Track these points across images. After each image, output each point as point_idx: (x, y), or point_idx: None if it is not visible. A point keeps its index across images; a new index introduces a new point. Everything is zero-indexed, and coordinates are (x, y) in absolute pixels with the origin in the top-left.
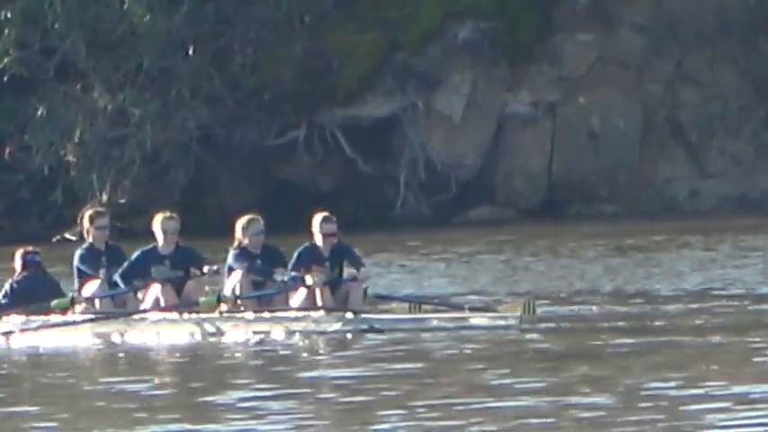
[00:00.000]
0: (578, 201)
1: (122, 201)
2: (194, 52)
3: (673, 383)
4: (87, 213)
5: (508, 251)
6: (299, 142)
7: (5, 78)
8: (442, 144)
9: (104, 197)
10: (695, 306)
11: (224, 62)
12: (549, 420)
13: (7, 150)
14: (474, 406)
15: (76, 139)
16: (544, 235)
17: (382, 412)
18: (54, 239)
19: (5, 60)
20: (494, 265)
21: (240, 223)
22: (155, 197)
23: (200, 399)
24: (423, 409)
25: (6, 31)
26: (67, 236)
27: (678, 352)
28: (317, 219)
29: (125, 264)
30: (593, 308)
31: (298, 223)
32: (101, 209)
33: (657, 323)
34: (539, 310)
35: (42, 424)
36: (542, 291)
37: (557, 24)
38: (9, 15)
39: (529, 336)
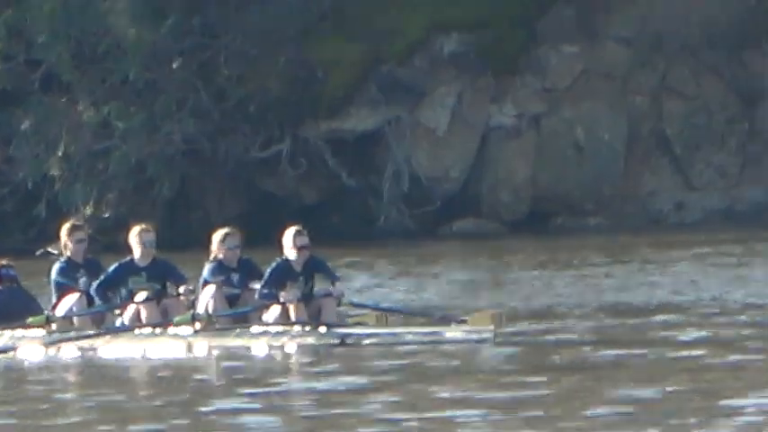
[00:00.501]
0: (563, 213)
1: (107, 215)
2: (180, 65)
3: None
4: (65, 226)
5: (489, 263)
6: (284, 155)
7: None
8: (427, 157)
9: (89, 210)
10: (677, 318)
11: (210, 74)
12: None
13: None
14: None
15: (60, 153)
16: (527, 247)
17: (356, 427)
18: (37, 253)
19: None
20: (473, 277)
21: (216, 237)
22: (139, 211)
23: (177, 413)
24: (399, 422)
25: None
26: (50, 249)
27: (655, 364)
28: (290, 233)
29: (102, 276)
30: (570, 321)
31: (281, 236)
32: (78, 222)
33: (639, 336)
34: (508, 325)
35: None
36: (521, 303)
37: (541, 36)
38: None
39: (502, 349)
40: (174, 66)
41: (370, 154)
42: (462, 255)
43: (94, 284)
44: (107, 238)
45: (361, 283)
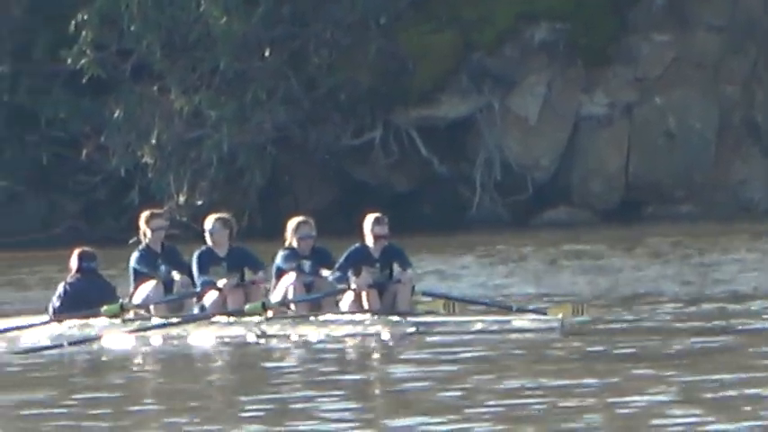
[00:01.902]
0: (655, 202)
1: (199, 202)
2: (270, 53)
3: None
4: (143, 215)
5: (580, 252)
6: (375, 143)
7: (83, 80)
8: (518, 145)
9: (181, 199)
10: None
11: (300, 63)
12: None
13: (84, 152)
14: (518, 407)
15: (153, 141)
16: (618, 236)
17: (429, 416)
18: (130, 241)
19: (83, 61)
20: (563, 266)
21: (290, 225)
22: (231, 199)
23: (252, 400)
24: (473, 411)
25: (84, 32)
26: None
27: (742, 354)
28: (369, 220)
29: (194, 267)
30: (661, 309)
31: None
32: (157, 210)
33: (728, 323)
34: (592, 314)
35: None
36: (610, 292)
37: (632, 25)
38: (86, 17)
39: (575, 337)
40: (265, 54)
41: (461, 141)
42: (553, 244)
43: (199, 280)
44: (200, 226)
45: (448, 270)
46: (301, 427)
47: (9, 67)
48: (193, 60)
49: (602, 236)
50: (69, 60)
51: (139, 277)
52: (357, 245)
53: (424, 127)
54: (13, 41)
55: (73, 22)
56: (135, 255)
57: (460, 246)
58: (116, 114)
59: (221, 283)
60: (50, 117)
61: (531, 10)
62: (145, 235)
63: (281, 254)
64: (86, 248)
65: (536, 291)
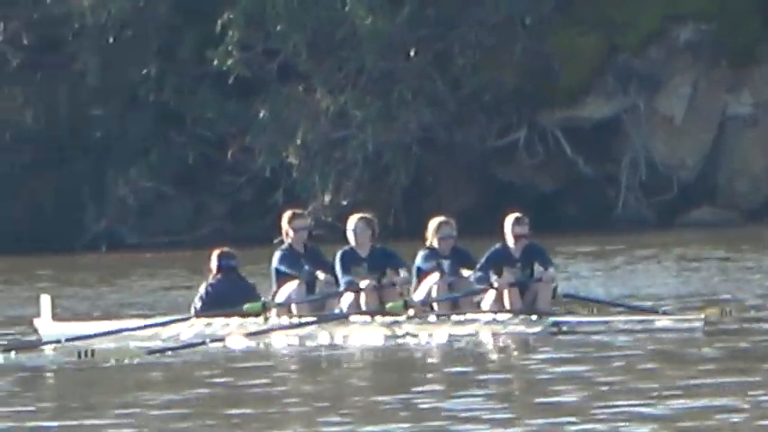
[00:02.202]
0: None
1: (344, 202)
2: (416, 54)
3: None
4: (285, 214)
5: (725, 253)
6: (520, 144)
7: (229, 80)
8: (664, 145)
9: (326, 199)
10: None
11: (445, 64)
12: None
13: (230, 152)
14: (658, 407)
15: (298, 141)
16: (765, 236)
17: (568, 416)
18: (275, 241)
19: (229, 62)
20: (708, 267)
21: (432, 225)
22: (376, 199)
23: (390, 400)
24: (609, 411)
25: (230, 32)
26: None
27: None
28: (509, 220)
29: (338, 267)
30: None
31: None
32: (299, 210)
33: None
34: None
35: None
36: (754, 293)
37: None
38: (232, 17)
39: (718, 338)
40: (410, 55)
41: (606, 142)
42: (698, 244)
43: (343, 280)
44: (344, 226)
45: (593, 271)
46: (442, 427)
47: (155, 67)
48: (339, 60)
49: (748, 236)
50: (215, 61)
51: (282, 277)
52: (498, 245)
53: (570, 127)
54: (160, 41)
55: (219, 22)
56: (277, 255)
57: (605, 246)
58: (262, 114)
59: (364, 283)
60: (196, 117)
61: (677, 11)
62: (287, 235)
63: (421, 254)
64: (225, 249)
65: (680, 292)
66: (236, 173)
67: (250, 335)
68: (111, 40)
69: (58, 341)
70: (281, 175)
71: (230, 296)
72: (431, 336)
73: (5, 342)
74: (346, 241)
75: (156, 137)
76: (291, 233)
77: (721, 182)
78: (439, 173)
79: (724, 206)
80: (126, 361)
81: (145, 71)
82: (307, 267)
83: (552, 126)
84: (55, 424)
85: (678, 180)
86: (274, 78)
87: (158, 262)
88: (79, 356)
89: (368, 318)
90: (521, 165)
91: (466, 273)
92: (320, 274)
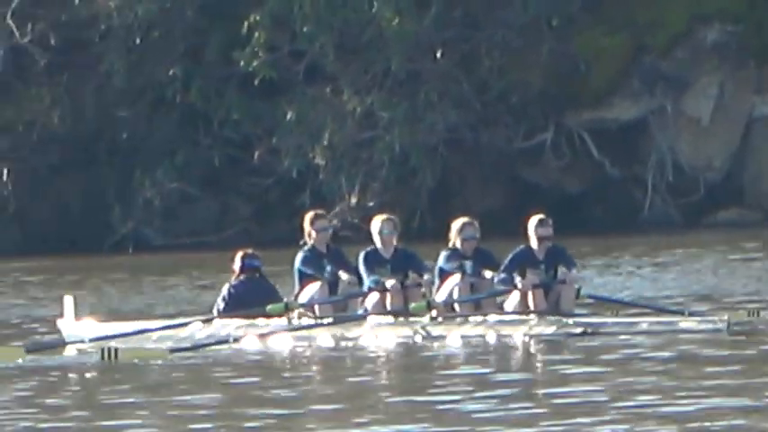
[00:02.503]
0: None
1: (370, 204)
2: (442, 55)
3: None
4: (308, 215)
5: (751, 254)
6: (546, 145)
7: (256, 82)
8: (690, 146)
9: (353, 200)
10: None
11: (471, 65)
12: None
13: (256, 154)
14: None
15: (325, 142)
16: None
17: (592, 416)
18: (301, 242)
19: (255, 63)
20: (735, 268)
21: (455, 226)
22: (402, 200)
23: (411, 400)
24: (631, 412)
25: (256, 33)
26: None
27: None
28: (533, 222)
29: (362, 268)
30: None
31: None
32: (321, 211)
33: None
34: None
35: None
36: None
37: None
38: (258, 18)
39: (742, 339)
40: (437, 56)
41: (633, 143)
42: (724, 245)
43: (368, 280)
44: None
45: (618, 271)
46: (463, 429)
47: (181, 68)
48: (366, 61)
49: None
50: (242, 62)
51: (304, 279)
52: (522, 246)
53: (596, 129)
54: (186, 42)
55: (245, 24)
56: (300, 256)
57: (632, 247)
58: (288, 116)
59: (389, 283)
60: (223, 119)
61: (704, 12)
62: (309, 236)
63: (443, 254)
64: (249, 250)
65: (706, 293)
66: (262, 174)
67: (272, 335)
68: (137, 41)
69: (82, 341)
70: (308, 177)
71: (252, 297)
72: (453, 336)
73: (30, 342)
74: (372, 242)
75: (182, 138)
76: (314, 234)
77: (748, 183)
78: (465, 174)
79: (751, 207)
80: (150, 361)
81: (171, 72)
82: (329, 268)
83: (579, 127)
84: (75, 425)
85: (705, 181)
86: (301, 80)
87: (184, 263)
88: (102, 357)
89: (391, 318)
90: (547, 166)
91: (488, 274)
92: (343, 275)
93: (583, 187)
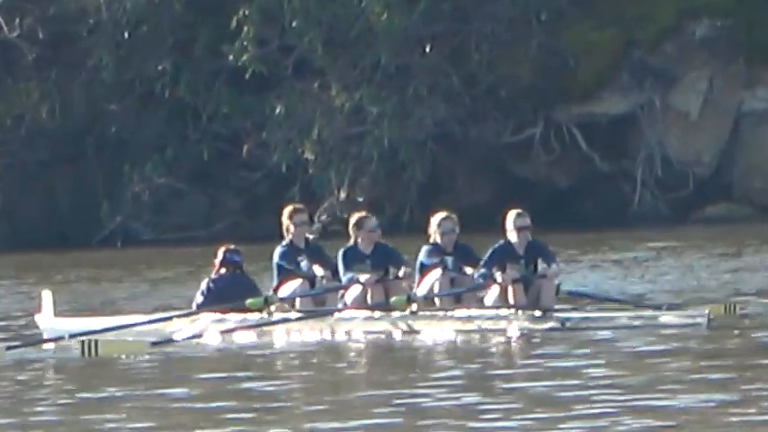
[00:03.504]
0: None
1: (360, 198)
2: (431, 50)
3: None
4: (286, 210)
5: (737, 249)
6: (536, 140)
7: (246, 76)
8: (679, 141)
9: (342, 194)
10: None
11: (460, 59)
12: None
13: (245, 148)
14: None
15: (314, 137)
16: None
17: (573, 410)
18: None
19: (244, 58)
20: (722, 263)
21: (434, 220)
22: (392, 195)
23: (390, 394)
24: (611, 405)
25: (245, 28)
26: (306, 235)
27: None
28: (511, 215)
29: (339, 264)
30: None
31: (534, 221)
32: (299, 205)
33: None
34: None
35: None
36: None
37: None
38: (247, 13)
39: (722, 333)
40: (426, 50)
41: (622, 138)
42: (710, 240)
43: (345, 276)
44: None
45: (605, 266)
46: (444, 423)
47: (170, 62)
48: (354, 56)
49: (761, 232)
50: (231, 56)
51: (283, 273)
52: (501, 242)
53: (585, 123)
54: (175, 37)
55: (234, 18)
56: (278, 250)
57: (621, 242)
58: (277, 110)
59: (363, 278)
60: (212, 113)
61: (693, 6)
62: (288, 230)
63: (424, 249)
64: (231, 246)
65: (690, 287)
66: (251, 169)
67: (251, 329)
68: (126, 35)
69: (62, 337)
70: (297, 171)
71: (231, 291)
72: (433, 331)
73: (9, 337)
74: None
75: (171, 133)
76: (292, 228)
77: (737, 178)
78: (454, 169)
79: (739, 202)
80: (130, 356)
81: (160, 67)
82: (305, 263)
83: (568, 122)
84: (56, 419)
85: (694, 176)
86: (290, 74)
87: (173, 257)
88: (83, 351)
89: (371, 312)
90: (536, 161)
91: (469, 271)
92: (318, 270)
93: (572, 182)
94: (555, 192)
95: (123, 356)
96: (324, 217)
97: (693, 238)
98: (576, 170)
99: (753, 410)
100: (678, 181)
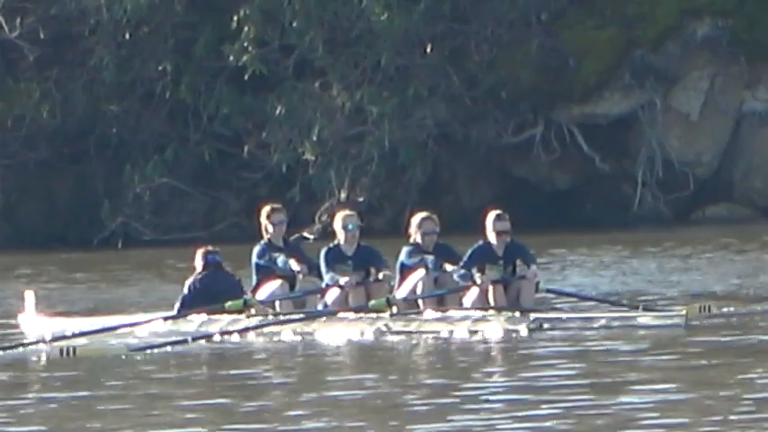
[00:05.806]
0: None
1: (360, 199)
2: (431, 50)
3: None
4: (264, 209)
5: (740, 249)
6: (536, 140)
7: (245, 76)
8: (680, 141)
9: (342, 195)
10: None
11: (461, 60)
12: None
13: (246, 148)
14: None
15: (315, 137)
16: None
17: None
18: (291, 238)
19: (245, 58)
20: (720, 263)
21: (414, 221)
22: (392, 195)
23: (370, 395)
24: (588, 405)
25: (246, 28)
26: (305, 234)
27: None
28: (491, 217)
29: (322, 264)
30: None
31: (535, 222)
32: (277, 205)
33: None
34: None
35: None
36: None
37: None
38: (248, 13)
39: (700, 333)
40: (426, 51)
41: (622, 138)
42: (705, 242)
43: (326, 277)
44: (361, 223)
45: (602, 265)
46: (424, 423)
47: (171, 63)
48: (355, 56)
49: (760, 233)
50: (231, 57)
51: (261, 272)
52: (480, 242)
53: (586, 124)
54: (175, 37)
55: (235, 18)
56: (256, 249)
57: (621, 242)
58: (278, 111)
59: (343, 280)
60: (212, 114)
61: (694, 6)
62: (266, 230)
63: (405, 250)
64: (209, 247)
65: (691, 287)
66: (252, 169)
67: (232, 332)
68: (127, 36)
69: (43, 341)
70: (298, 172)
71: (217, 288)
72: (415, 333)
73: None
74: (367, 238)
75: (171, 133)
76: (270, 228)
77: (737, 178)
78: (455, 169)
79: (740, 202)
80: (109, 358)
81: (161, 67)
82: (281, 259)
83: (568, 122)
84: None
85: (694, 177)
86: (290, 74)
87: (173, 258)
88: (61, 354)
89: (352, 314)
90: (537, 161)
91: (449, 267)
92: (294, 264)
93: (573, 182)
94: (555, 192)
95: (102, 357)
96: (324, 217)
97: (688, 240)
98: (576, 171)
99: (723, 409)
100: (679, 181)
